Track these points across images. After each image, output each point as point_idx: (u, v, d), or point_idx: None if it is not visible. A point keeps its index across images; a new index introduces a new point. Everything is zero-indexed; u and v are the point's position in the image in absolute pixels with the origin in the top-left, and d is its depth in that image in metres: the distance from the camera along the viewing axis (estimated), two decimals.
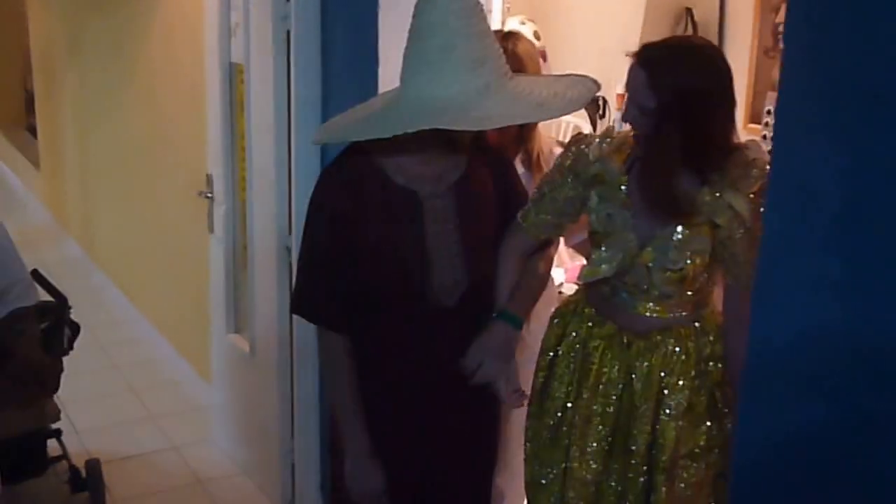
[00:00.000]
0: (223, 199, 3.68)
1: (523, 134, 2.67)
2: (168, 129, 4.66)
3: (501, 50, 1.96)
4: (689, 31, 4.08)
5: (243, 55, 3.34)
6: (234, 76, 3.55)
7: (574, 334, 2.19)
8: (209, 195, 3.77)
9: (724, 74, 1.97)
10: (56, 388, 3.32)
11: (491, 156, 2.20)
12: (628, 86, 1.99)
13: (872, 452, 1.55)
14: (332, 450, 2.30)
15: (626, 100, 2.02)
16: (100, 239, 6.13)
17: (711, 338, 2.11)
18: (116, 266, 5.78)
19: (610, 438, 2.13)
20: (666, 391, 2.08)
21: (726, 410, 2.11)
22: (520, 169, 2.57)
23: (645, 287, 2.06)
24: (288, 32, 3.05)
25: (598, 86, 2.02)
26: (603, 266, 2.06)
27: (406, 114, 1.88)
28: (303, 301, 2.16)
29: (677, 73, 1.92)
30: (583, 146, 2.13)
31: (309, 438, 3.34)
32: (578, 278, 2.23)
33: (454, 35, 1.84)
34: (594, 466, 2.14)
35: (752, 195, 1.95)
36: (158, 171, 4.88)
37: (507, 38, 2.63)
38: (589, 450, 2.14)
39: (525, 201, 2.21)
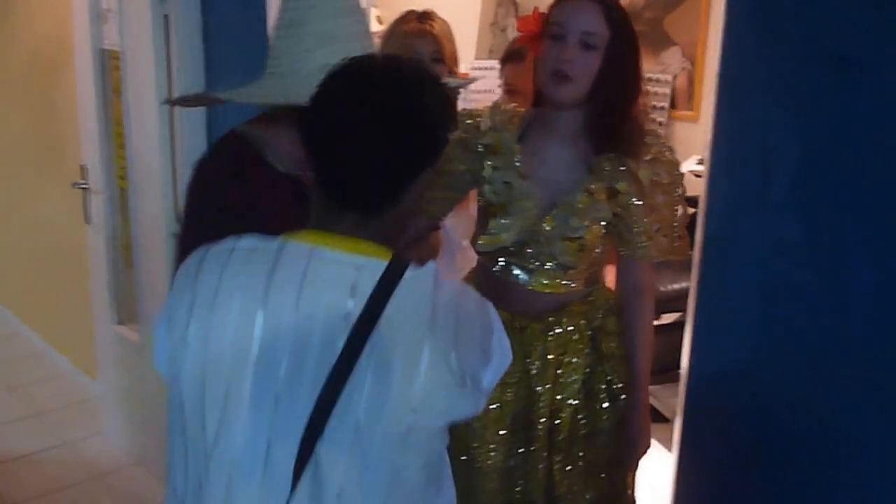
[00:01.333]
0: (100, 188, 3.60)
1: None
2: (36, 119, 4.50)
3: (368, 34, 1.85)
4: (513, 11, 4.31)
5: (118, 41, 3.27)
6: (107, 63, 3.47)
7: None
8: (84, 185, 3.68)
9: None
10: None
11: None
12: (569, 23, 1.90)
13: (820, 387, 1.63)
14: None
15: (554, 45, 1.92)
16: None
17: (601, 314, 2.09)
18: None
19: (510, 426, 2.08)
20: (561, 371, 2.05)
21: (621, 386, 2.10)
22: None
23: (542, 259, 2.03)
24: (166, 16, 3.02)
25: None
26: (503, 234, 2.02)
27: (264, 91, 1.77)
28: None
29: (622, 10, 1.94)
30: (471, 120, 2.12)
31: None
32: (477, 248, 2.14)
33: (307, 11, 1.74)
34: (496, 456, 2.08)
35: (647, 162, 1.98)
36: (27, 164, 4.70)
37: (419, 17, 2.60)
38: (490, 439, 2.08)
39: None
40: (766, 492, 1.75)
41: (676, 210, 2.04)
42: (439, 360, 1.19)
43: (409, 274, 1.21)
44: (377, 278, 1.20)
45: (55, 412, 4.14)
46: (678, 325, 2.46)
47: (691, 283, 2.25)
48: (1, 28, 4.64)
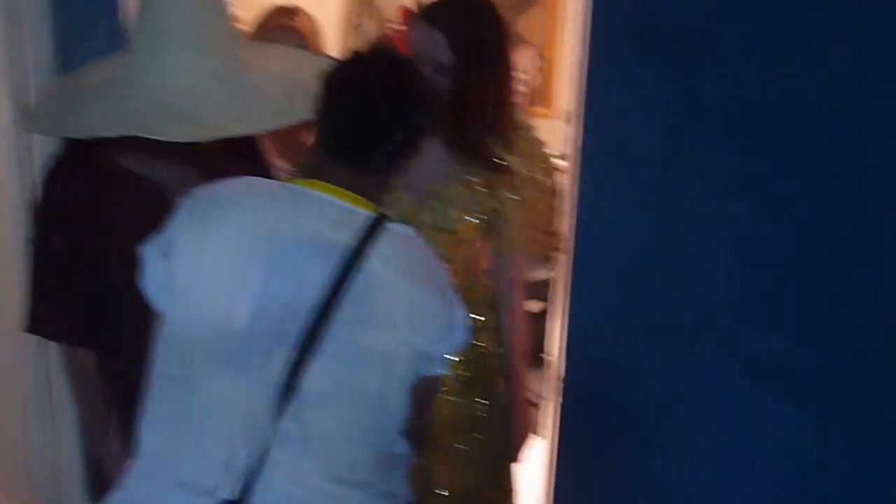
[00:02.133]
0: None
1: None
2: None
3: (234, 29, 1.80)
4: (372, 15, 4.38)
5: None
6: None
7: None
8: None
9: (503, 27, 2.03)
10: None
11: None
12: (414, 48, 1.96)
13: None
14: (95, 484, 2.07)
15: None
16: None
17: (479, 308, 2.10)
18: None
19: None
20: None
21: (498, 379, 2.14)
22: None
23: None
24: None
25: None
26: None
27: (124, 109, 1.68)
28: (39, 318, 1.90)
29: (473, 29, 1.95)
30: None
31: (70, 446, 3.20)
32: None
33: (175, 16, 1.65)
34: None
35: (521, 156, 2.02)
36: None
37: (285, 13, 2.59)
38: None
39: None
40: (639, 467, 1.84)
41: (550, 205, 2.09)
42: (414, 299, 1.42)
43: (390, 225, 1.46)
44: (361, 222, 1.43)
45: None
46: (542, 314, 2.53)
47: (559, 272, 2.34)
48: None
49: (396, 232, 1.47)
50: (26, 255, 1.93)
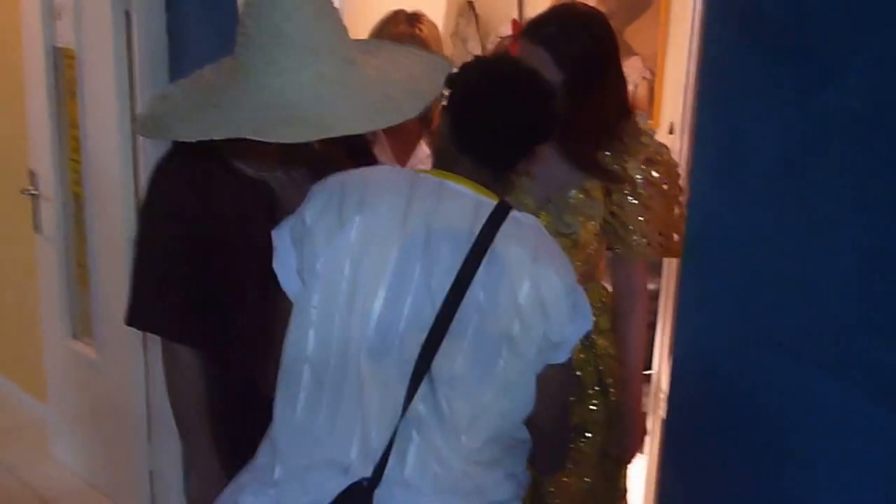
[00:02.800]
0: (52, 195, 3.41)
1: (427, 114, 2.56)
2: None
3: (346, 31, 1.78)
4: (473, 23, 4.33)
5: (74, 39, 3.11)
6: (60, 62, 3.29)
7: None
8: (34, 192, 3.49)
9: (612, 39, 2.02)
10: None
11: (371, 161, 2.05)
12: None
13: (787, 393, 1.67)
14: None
15: None
16: None
17: (597, 310, 2.07)
18: None
19: None
20: None
21: (610, 381, 2.13)
22: (427, 151, 2.52)
23: None
24: (127, 13, 2.87)
25: (448, 67, 1.87)
26: None
27: (234, 112, 1.68)
28: (141, 311, 1.92)
29: (578, 46, 1.95)
30: None
31: (169, 443, 3.18)
32: None
33: (285, 18, 1.65)
34: None
35: (642, 162, 2.01)
36: None
37: (413, 21, 2.54)
38: None
39: None
40: (750, 483, 1.80)
41: (673, 210, 2.06)
42: (540, 282, 1.46)
43: (514, 213, 1.51)
44: (489, 210, 1.48)
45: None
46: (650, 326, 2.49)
47: (663, 282, 2.32)
48: None
49: (520, 219, 1.52)
50: (132, 252, 1.95)
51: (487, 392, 1.48)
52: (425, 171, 1.59)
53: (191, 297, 1.87)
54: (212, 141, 1.68)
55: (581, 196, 2.03)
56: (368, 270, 1.46)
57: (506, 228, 1.48)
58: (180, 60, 2.84)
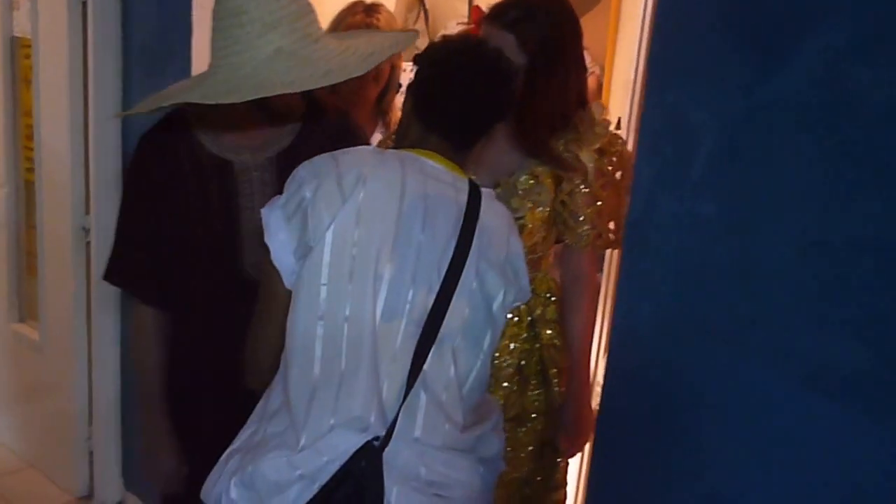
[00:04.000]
0: (5, 181, 3.49)
1: (382, 107, 2.67)
2: None
3: (309, 9, 1.83)
4: (422, 19, 4.40)
5: (31, 29, 3.18)
6: (16, 51, 3.38)
7: None
8: None
9: (576, 25, 2.03)
10: None
11: (329, 122, 2.09)
12: None
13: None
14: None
15: None
16: None
17: (541, 301, 2.12)
18: None
19: None
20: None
21: (555, 371, 2.13)
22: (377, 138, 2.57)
23: None
24: (84, 4, 2.97)
25: (414, 38, 1.96)
26: None
27: (196, 85, 1.79)
28: (116, 269, 2.07)
29: (543, 29, 1.96)
30: None
31: (109, 425, 3.26)
32: None
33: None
34: None
35: (595, 151, 2.01)
36: None
37: (370, 11, 2.60)
38: None
39: None
40: (683, 474, 1.79)
41: (624, 201, 2.04)
42: (512, 250, 1.63)
43: (482, 188, 1.64)
44: (467, 186, 1.61)
45: None
46: None
47: (605, 273, 2.28)
48: None
49: (489, 194, 1.65)
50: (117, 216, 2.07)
51: (478, 354, 1.61)
52: (405, 150, 1.64)
53: (154, 259, 2.00)
54: (187, 118, 1.93)
55: (531, 181, 2.02)
56: (375, 239, 1.51)
57: (483, 201, 1.60)
58: (134, 50, 2.93)
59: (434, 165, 1.60)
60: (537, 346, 2.12)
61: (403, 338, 1.52)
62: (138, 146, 2.03)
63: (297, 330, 1.53)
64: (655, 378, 1.81)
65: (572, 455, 2.23)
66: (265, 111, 1.90)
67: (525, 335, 2.11)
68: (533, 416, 2.13)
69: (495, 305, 1.60)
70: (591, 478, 1.99)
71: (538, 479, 2.19)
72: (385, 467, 1.50)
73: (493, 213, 1.62)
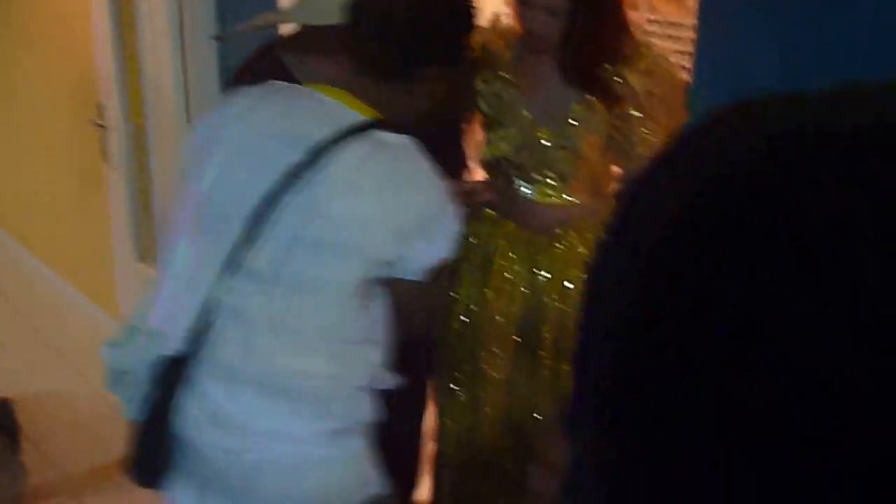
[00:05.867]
0: (117, 124, 3.61)
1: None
2: (46, 60, 4.49)
3: None
4: None
5: None
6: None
7: (474, 237, 2.18)
8: (101, 124, 3.68)
9: None
10: None
11: None
12: None
13: None
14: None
15: (521, 10, 2.00)
16: None
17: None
18: None
19: (516, 337, 2.14)
20: (569, 283, 2.10)
21: None
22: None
23: (542, 171, 2.08)
24: None
25: None
26: (501, 144, 2.09)
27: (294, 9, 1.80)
28: None
29: None
30: None
31: None
32: (482, 160, 2.22)
33: None
34: (503, 365, 2.15)
35: (643, 73, 2.00)
36: (38, 103, 4.70)
37: None
38: (497, 350, 2.14)
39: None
40: None
41: (677, 120, 2.02)
42: (383, 197, 1.47)
43: (381, 133, 1.49)
44: (348, 123, 1.47)
45: (77, 351, 4.18)
46: None
47: None
48: None
49: (381, 138, 1.50)
50: None
51: (293, 298, 1.50)
52: (310, 86, 1.61)
53: None
54: (278, 55, 1.91)
55: (582, 109, 2.03)
56: (208, 171, 1.54)
57: (357, 142, 1.47)
58: None
59: (319, 98, 1.52)
60: None
61: (205, 267, 1.53)
62: (231, 85, 2.02)
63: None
64: None
65: None
66: None
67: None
68: None
69: (331, 253, 1.49)
70: None
71: None
72: None
73: (364, 153, 1.48)
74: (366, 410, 1.62)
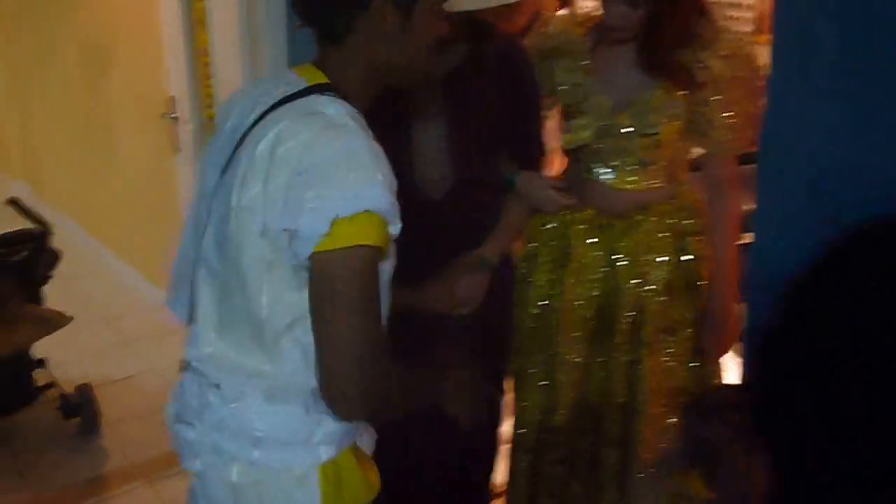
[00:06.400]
0: (189, 117, 3.68)
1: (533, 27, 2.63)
2: (119, 53, 4.58)
3: None
4: None
5: None
6: None
7: (553, 223, 2.22)
8: (174, 116, 3.76)
9: None
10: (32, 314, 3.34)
11: (499, 44, 2.09)
12: None
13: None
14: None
15: (602, 2, 2.02)
16: (47, 175, 6.01)
17: (686, 213, 2.15)
18: (68, 200, 5.70)
19: (594, 322, 2.16)
20: (647, 269, 2.12)
21: (701, 283, 2.16)
22: None
23: (622, 157, 2.09)
24: None
25: None
26: (582, 132, 2.10)
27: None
28: None
29: None
30: (544, 27, 2.22)
31: None
32: (562, 147, 2.22)
33: None
34: (581, 350, 2.17)
35: (723, 57, 2.00)
36: (111, 98, 4.80)
37: None
38: (575, 334, 2.16)
39: (537, 91, 2.15)
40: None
41: (757, 103, 2.00)
42: (297, 169, 1.35)
43: (309, 98, 1.43)
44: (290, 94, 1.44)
45: (147, 341, 4.29)
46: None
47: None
48: None
49: (306, 102, 1.43)
50: None
51: (227, 270, 1.46)
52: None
53: None
54: None
55: (661, 94, 2.04)
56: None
57: (281, 110, 1.42)
58: None
59: (289, 78, 1.49)
60: (682, 259, 2.14)
61: (191, 236, 1.60)
62: None
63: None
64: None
65: (719, 356, 2.23)
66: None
67: (672, 248, 2.13)
68: (683, 325, 2.16)
69: (247, 224, 1.41)
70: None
71: (694, 387, 2.20)
72: None
73: (293, 120, 1.39)
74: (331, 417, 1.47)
